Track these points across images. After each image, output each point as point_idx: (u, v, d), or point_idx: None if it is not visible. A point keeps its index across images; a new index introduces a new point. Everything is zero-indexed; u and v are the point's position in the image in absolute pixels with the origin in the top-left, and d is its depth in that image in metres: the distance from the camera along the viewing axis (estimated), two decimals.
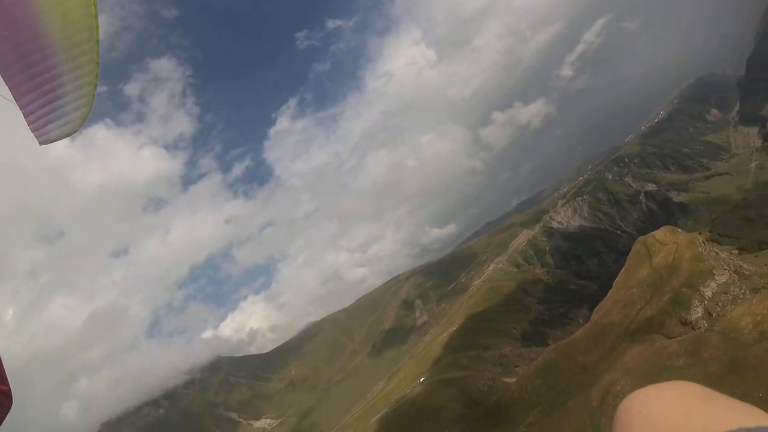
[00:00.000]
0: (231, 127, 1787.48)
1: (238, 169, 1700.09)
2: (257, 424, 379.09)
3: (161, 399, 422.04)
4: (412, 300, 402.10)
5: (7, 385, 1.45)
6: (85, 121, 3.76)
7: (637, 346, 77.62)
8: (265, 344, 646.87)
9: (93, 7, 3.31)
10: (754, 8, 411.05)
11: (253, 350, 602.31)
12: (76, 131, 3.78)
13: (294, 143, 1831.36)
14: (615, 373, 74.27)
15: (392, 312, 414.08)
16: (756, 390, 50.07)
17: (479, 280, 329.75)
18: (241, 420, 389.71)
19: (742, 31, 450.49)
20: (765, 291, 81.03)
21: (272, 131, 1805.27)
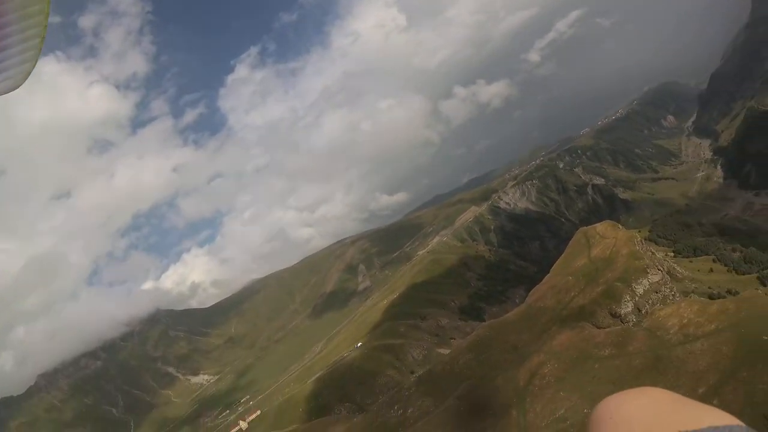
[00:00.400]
0: (187, 70, 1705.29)
1: (190, 116, 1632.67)
2: (195, 379, 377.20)
3: (99, 351, 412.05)
4: (356, 264, 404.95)
5: None
6: (28, 78, 3.45)
7: (567, 332, 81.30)
8: (207, 299, 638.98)
9: None
10: (726, 28, 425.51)
11: (194, 304, 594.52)
12: (18, 87, 3.52)
13: (250, 94, 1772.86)
14: (543, 355, 77.67)
15: (335, 275, 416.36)
16: (675, 388, 53.49)
17: (423, 251, 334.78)
18: (178, 375, 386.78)
19: (711, 47, 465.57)
20: (694, 296, 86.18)
21: (229, 79, 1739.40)
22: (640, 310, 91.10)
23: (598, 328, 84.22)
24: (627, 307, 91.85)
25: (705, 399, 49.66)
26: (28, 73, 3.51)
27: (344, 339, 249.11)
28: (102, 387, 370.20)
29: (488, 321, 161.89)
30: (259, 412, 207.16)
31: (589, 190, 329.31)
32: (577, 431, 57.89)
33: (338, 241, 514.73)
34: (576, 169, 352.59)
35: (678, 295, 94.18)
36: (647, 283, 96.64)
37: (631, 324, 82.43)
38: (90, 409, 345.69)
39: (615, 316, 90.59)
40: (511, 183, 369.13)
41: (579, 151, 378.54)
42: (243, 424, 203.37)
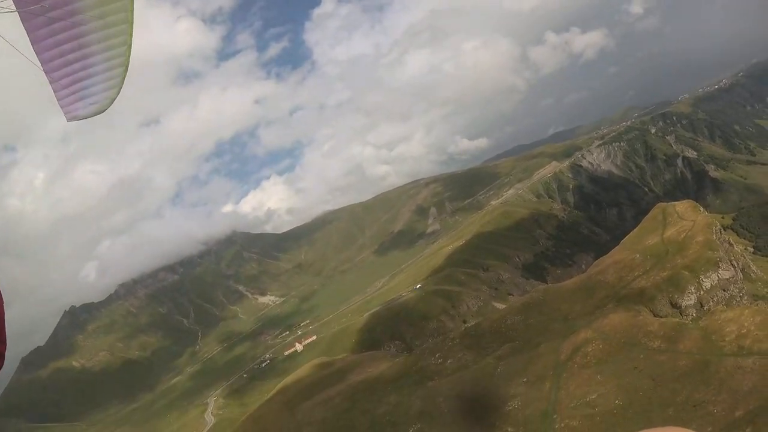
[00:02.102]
0: (273, 4, 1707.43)
1: (274, 49, 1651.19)
2: (262, 299, 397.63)
3: (177, 266, 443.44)
4: (428, 207, 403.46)
5: (5, 344, 1.41)
6: (113, 103, 3.72)
7: (621, 312, 76.19)
8: (281, 225, 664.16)
9: None
10: None
11: (269, 229, 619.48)
12: (103, 112, 3.77)
13: (336, 28, 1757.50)
14: (591, 332, 73.63)
15: (406, 215, 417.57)
16: (713, 404, 49.08)
17: (496, 201, 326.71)
18: (247, 293, 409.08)
19: None
20: (762, 303, 77.31)
21: (315, 13, 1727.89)
22: (702, 306, 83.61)
23: (655, 315, 78.42)
24: (689, 300, 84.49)
25: (739, 425, 45.12)
26: (113, 99, 3.77)
27: (405, 278, 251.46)
28: (176, 299, 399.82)
29: (546, 284, 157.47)
30: (314, 338, 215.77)
31: (679, 162, 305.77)
32: (602, 421, 55.09)
33: (413, 181, 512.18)
34: (668, 137, 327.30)
35: (746, 297, 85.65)
36: (716, 277, 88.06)
37: (689, 319, 75.95)
38: (163, 318, 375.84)
39: (675, 306, 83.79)
40: (597, 142, 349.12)
41: (674, 118, 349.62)
42: (298, 347, 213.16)
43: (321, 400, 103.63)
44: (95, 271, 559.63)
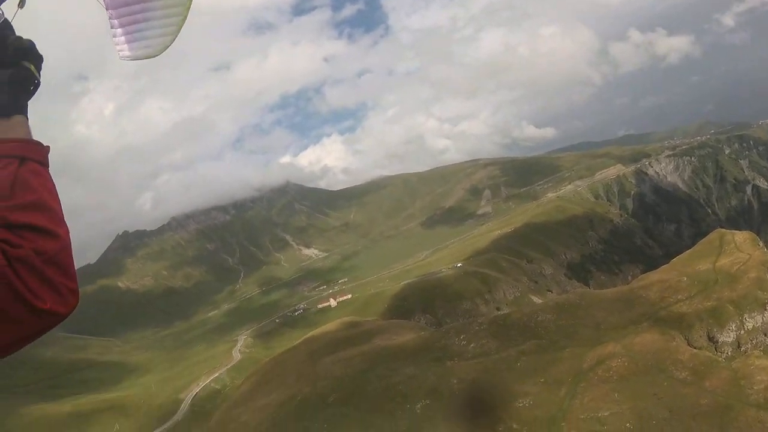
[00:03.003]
0: None
1: (349, 10, 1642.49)
2: (306, 251, 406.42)
3: (229, 207, 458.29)
4: (482, 189, 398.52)
5: (76, 282, 1.44)
6: (167, 49, 3.92)
7: (655, 334, 73.52)
8: (335, 183, 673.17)
9: None
10: None
11: (322, 185, 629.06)
12: (155, 56, 3.95)
13: None
14: (620, 347, 71.69)
15: (459, 192, 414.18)
16: None
17: (553, 194, 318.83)
18: (293, 243, 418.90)
19: None
20: None
21: None
22: (739, 346, 79.08)
23: (689, 344, 75.20)
24: (728, 337, 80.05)
25: None
26: (167, 46, 3.88)
27: (448, 255, 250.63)
28: (224, 238, 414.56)
29: (588, 287, 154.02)
30: (349, 296, 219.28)
31: (749, 189, 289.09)
32: None
33: (472, 160, 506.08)
34: (741, 161, 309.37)
35: None
36: (761, 320, 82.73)
37: (723, 357, 72.35)
38: (210, 254, 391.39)
39: (711, 340, 79.69)
40: (667, 152, 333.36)
41: (751, 143, 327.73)
42: (332, 302, 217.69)
43: (342, 357, 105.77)
44: (151, 202, 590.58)
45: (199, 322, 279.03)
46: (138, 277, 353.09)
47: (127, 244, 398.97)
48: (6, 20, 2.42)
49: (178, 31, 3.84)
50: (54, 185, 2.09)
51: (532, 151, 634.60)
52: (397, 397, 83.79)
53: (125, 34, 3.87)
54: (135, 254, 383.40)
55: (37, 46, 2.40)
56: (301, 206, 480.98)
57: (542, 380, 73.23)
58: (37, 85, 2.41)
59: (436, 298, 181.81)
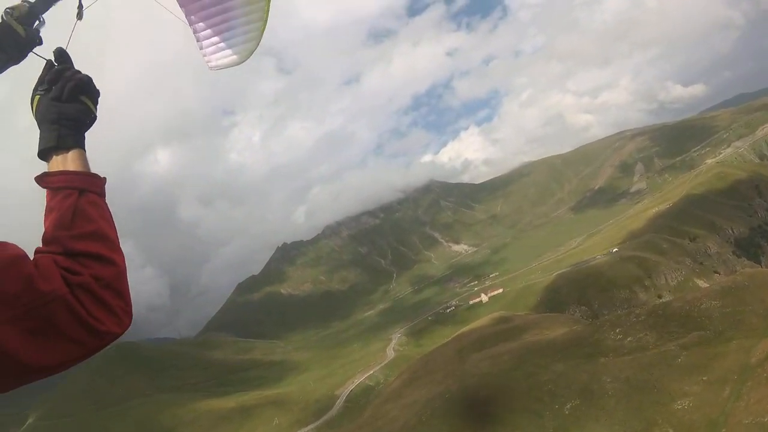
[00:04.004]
0: None
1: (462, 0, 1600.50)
2: (455, 247, 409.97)
3: (378, 211, 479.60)
4: (633, 163, 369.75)
5: (130, 304, 1.97)
6: (251, 55, 4.11)
7: None
8: (477, 176, 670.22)
9: None
10: None
11: (465, 179, 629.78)
12: (242, 62, 4.15)
13: None
14: None
15: (608, 170, 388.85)
16: None
17: (712, 160, 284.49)
18: (442, 240, 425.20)
19: None
20: None
21: None
22: None
23: None
24: None
25: None
26: (252, 51, 4.02)
27: (602, 240, 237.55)
28: (375, 241, 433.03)
29: (760, 266, 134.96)
30: (501, 291, 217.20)
31: None
32: None
33: (618, 133, 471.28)
34: None
35: None
36: None
37: None
38: (363, 258, 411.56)
39: None
40: None
41: None
42: (484, 298, 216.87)
43: (490, 354, 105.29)
44: (304, 214, 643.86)
45: (356, 322, 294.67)
46: (298, 283, 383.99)
47: (287, 254, 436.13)
48: (64, 51, 2.47)
49: (261, 36, 3.93)
50: (111, 215, 2.24)
51: (683, 113, 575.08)
52: (544, 396, 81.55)
53: (211, 45, 4.07)
54: (294, 263, 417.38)
55: (94, 81, 2.50)
56: (446, 203, 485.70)
57: (704, 378, 66.43)
58: (93, 119, 2.45)
59: (590, 288, 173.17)
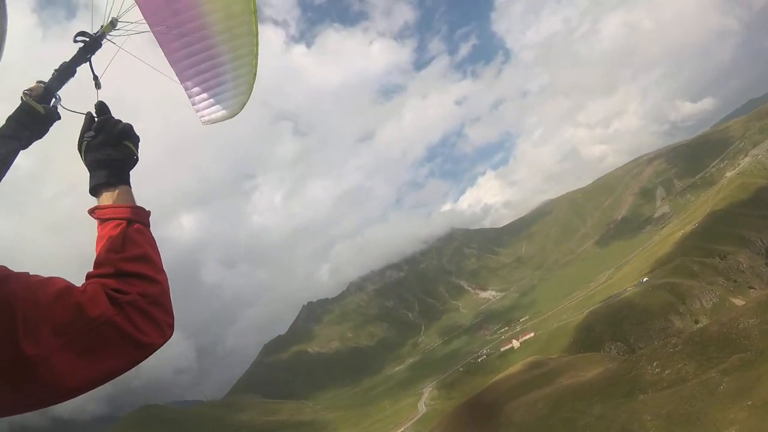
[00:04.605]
0: (454, 5, 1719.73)
1: (465, 49, 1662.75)
2: (482, 294, 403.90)
3: (402, 263, 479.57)
4: (653, 188, 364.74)
5: (173, 318, 2.20)
6: (243, 108, 4.13)
7: None
8: (499, 219, 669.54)
9: (252, 4, 3.64)
10: None
11: (487, 224, 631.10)
12: (235, 115, 4.18)
13: (522, 12, 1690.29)
14: None
15: (629, 198, 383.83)
16: None
17: (732, 172, 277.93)
18: (468, 288, 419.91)
19: None
20: None
21: (498, 1, 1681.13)
22: None
23: None
24: None
25: None
26: (243, 104, 4.13)
27: (631, 271, 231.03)
28: (401, 294, 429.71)
29: None
30: (532, 334, 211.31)
31: None
32: None
33: (634, 160, 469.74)
34: None
35: None
36: None
37: None
38: (390, 311, 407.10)
39: None
40: None
41: None
42: (515, 344, 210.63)
43: (525, 402, 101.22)
44: (328, 272, 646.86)
45: (385, 377, 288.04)
46: (326, 341, 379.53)
47: (313, 312, 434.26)
48: (104, 103, 2.80)
49: (251, 89, 4.03)
50: (155, 241, 2.47)
51: (696, 129, 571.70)
52: None
53: (202, 101, 4.12)
54: (321, 321, 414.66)
55: (134, 128, 2.81)
56: (469, 250, 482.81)
57: (749, 403, 61.26)
58: (136, 161, 2.75)
59: (624, 321, 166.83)
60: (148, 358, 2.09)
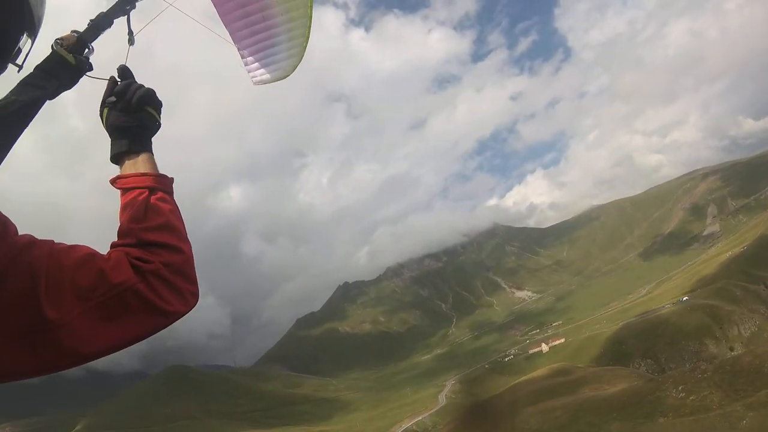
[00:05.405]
0: None
1: (524, 44, 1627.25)
2: (518, 293, 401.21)
3: (441, 254, 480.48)
4: (705, 205, 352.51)
5: (197, 287, 2.13)
6: (294, 70, 4.15)
7: None
8: (543, 220, 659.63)
9: None
10: None
11: (531, 223, 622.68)
12: (286, 77, 4.23)
13: (586, 10, 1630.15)
14: None
15: (679, 213, 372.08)
16: None
17: None
18: (505, 286, 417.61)
19: None
20: None
21: None
22: None
23: None
24: None
25: None
26: (295, 66, 4.12)
27: (672, 288, 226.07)
28: (437, 284, 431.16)
29: None
30: (562, 340, 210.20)
31: None
32: None
33: (689, 173, 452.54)
34: None
35: None
36: None
37: None
38: (424, 300, 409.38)
39: None
40: None
41: None
42: (544, 347, 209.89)
43: (543, 408, 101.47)
44: (367, 255, 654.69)
45: (411, 365, 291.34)
46: (357, 322, 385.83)
47: (348, 293, 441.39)
48: (126, 68, 2.67)
49: (303, 52, 4.02)
50: (178, 210, 2.44)
51: (757, 148, 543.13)
52: None
53: (256, 61, 4.15)
54: (355, 302, 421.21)
55: (156, 93, 2.70)
56: (511, 247, 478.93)
57: None
58: (158, 127, 2.66)
59: (657, 339, 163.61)
60: (179, 321, 2.10)
